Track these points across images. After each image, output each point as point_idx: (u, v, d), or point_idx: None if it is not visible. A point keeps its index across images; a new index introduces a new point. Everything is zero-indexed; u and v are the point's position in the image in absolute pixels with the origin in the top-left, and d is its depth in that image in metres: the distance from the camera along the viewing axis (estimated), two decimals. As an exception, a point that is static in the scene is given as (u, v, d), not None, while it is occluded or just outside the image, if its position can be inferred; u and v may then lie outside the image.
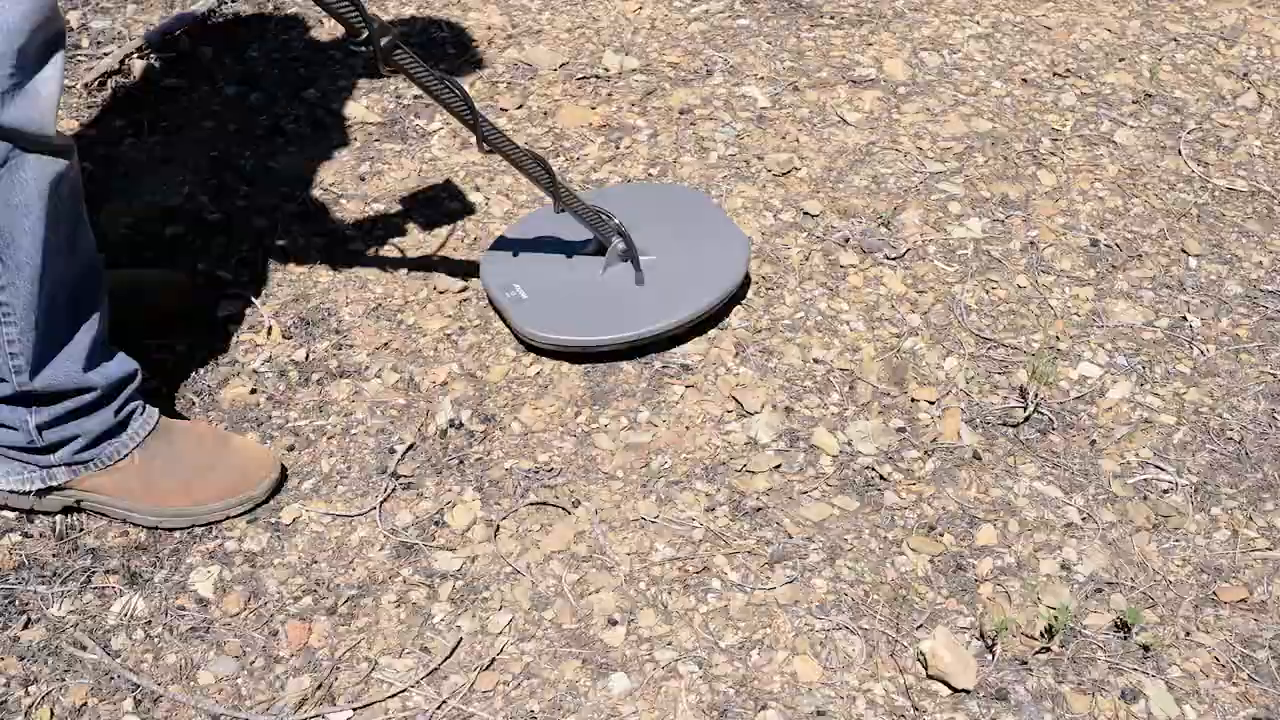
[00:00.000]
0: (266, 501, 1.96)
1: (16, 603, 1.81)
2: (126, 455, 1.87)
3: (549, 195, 2.12)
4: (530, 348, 2.20)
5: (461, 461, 2.03)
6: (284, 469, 2.01)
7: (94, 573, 1.86)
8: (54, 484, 1.87)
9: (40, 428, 1.80)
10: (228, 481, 1.92)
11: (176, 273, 2.30)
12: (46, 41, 1.64)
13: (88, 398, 1.80)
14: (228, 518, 1.93)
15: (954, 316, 2.29)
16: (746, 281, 2.32)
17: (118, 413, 1.85)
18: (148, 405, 1.91)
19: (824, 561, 1.88)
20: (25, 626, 1.79)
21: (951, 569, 1.88)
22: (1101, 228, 2.49)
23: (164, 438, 1.91)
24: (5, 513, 1.92)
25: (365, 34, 1.77)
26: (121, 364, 1.85)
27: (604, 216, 2.20)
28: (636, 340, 2.17)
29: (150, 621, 1.80)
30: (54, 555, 1.87)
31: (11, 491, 1.87)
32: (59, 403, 1.79)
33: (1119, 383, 2.17)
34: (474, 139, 2.05)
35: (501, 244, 2.32)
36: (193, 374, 2.16)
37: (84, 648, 1.76)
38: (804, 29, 3.04)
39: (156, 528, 1.92)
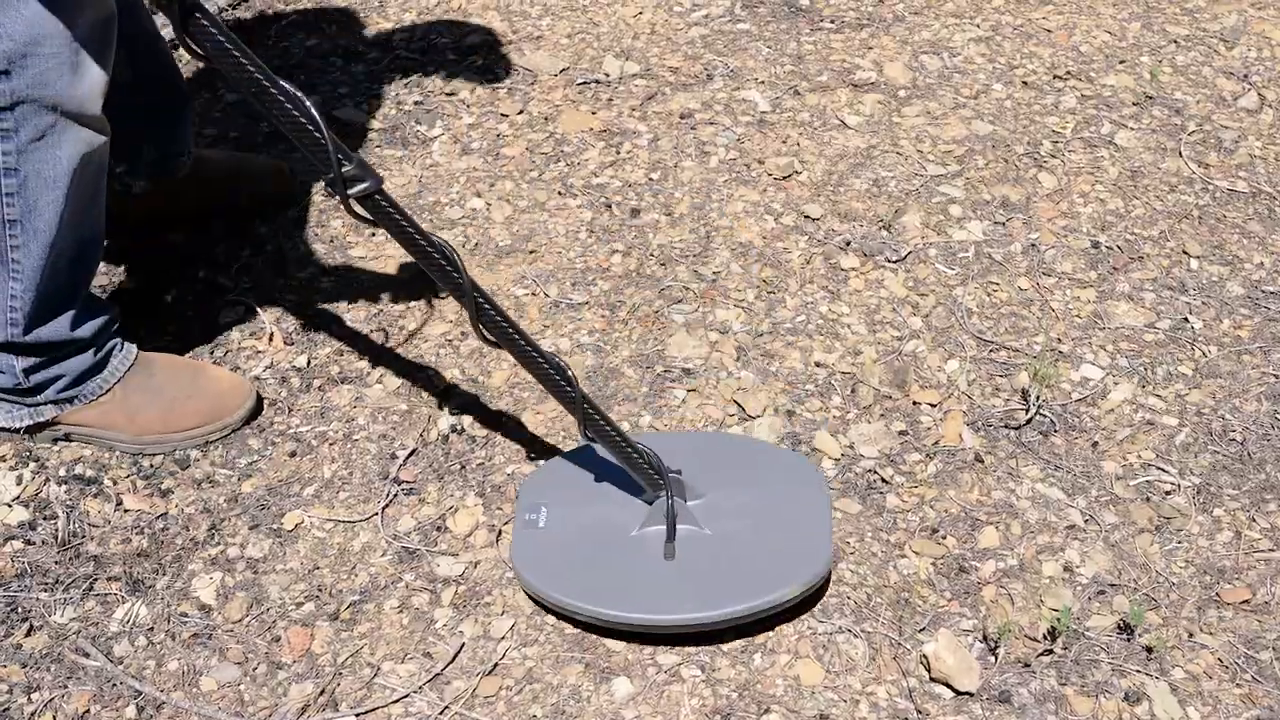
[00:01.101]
0: (242, 428, 2.08)
1: (19, 610, 1.81)
2: (108, 391, 1.99)
3: (571, 414, 1.70)
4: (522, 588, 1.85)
5: (463, 467, 2.03)
6: (260, 397, 2.12)
7: (96, 580, 1.86)
8: (42, 420, 1.99)
9: (26, 371, 1.92)
10: (205, 408, 2.03)
11: (276, 160, 2.47)
12: (96, 22, 1.73)
13: (72, 347, 1.93)
14: (207, 443, 2.05)
15: (955, 319, 2.29)
16: (817, 592, 1.82)
17: (97, 353, 1.97)
18: (126, 342, 2.02)
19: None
20: (28, 634, 1.79)
21: (954, 571, 1.88)
22: (1102, 230, 2.49)
23: (143, 371, 2.02)
24: (8, 521, 1.92)
25: (330, 174, 1.45)
26: (104, 311, 1.97)
27: (649, 462, 1.76)
28: (623, 623, 1.74)
29: (152, 628, 1.80)
30: (56, 562, 1.87)
31: (2, 429, 1.99)
32: (46, 353, 1.92)
33: (1121, 385, 2.17)
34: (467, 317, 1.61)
35: (568, 457, 1.95)
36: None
37: (86, 655, 1.76)
38: (804, 33, 3.04)
39: (140, 453, 2.02)
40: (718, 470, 1.88)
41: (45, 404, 1.97)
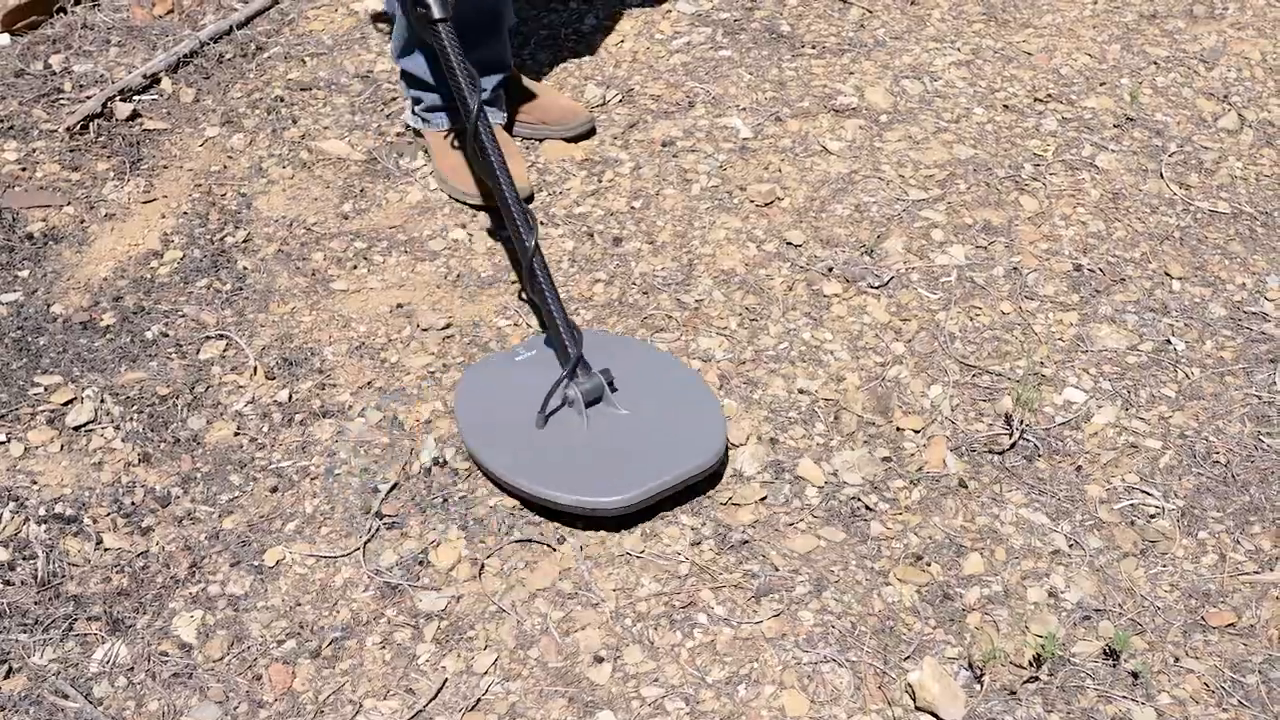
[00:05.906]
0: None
1: (-2, 651, 1.80)
2: (445, 130, 2.65)
3: (521, 261, 2.14)
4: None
5: (445, 500, 2.02)
6: (530, 194, 2.59)
7: (76, 620, 1.85)
8: (414, 126, 2.72)
9: (406, 87, 2.67)
10: (474, 184, 2.59)
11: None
12: None
13: (428, 85, 2.61)
14: (464, 204, 2.60)
15: (938, 344, 2.29)
16: (634, 510, 1.95)
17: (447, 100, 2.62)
18: (497, 113, 2.67)
19: (811, 594, 1.87)
20: (6, 676, 1.77)
21: (939, 599, 1.87)
22: (1084, 252, 2.49)
23: None
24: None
25: None
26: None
27: (572, 336, 2.06)
28: (491, 475, 2.02)
29: (133, 668, 1.79)
30: (35, 603, 1.86)
31: (409, 127, 2.77)
32: (410, 80, 2.64)
33: (1104, 408, 2.17)
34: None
35: (591, 335, 2.19)
36: (177, 418, 2.16)
37: (66, 696, 1.75)
38: (785, 59, 3.05)
39: (439, 189, 2.65)
40: (638, 376, 2.12)
41: (415, 116, 2.69)
